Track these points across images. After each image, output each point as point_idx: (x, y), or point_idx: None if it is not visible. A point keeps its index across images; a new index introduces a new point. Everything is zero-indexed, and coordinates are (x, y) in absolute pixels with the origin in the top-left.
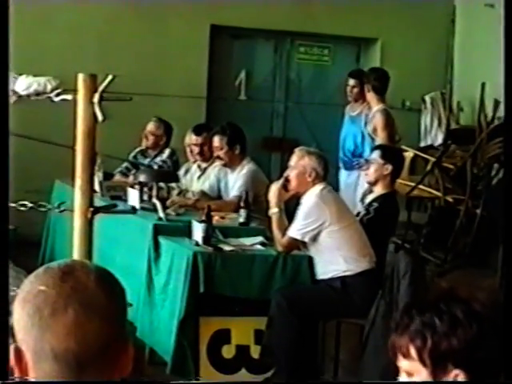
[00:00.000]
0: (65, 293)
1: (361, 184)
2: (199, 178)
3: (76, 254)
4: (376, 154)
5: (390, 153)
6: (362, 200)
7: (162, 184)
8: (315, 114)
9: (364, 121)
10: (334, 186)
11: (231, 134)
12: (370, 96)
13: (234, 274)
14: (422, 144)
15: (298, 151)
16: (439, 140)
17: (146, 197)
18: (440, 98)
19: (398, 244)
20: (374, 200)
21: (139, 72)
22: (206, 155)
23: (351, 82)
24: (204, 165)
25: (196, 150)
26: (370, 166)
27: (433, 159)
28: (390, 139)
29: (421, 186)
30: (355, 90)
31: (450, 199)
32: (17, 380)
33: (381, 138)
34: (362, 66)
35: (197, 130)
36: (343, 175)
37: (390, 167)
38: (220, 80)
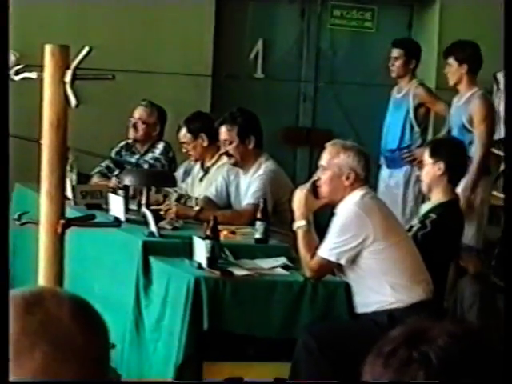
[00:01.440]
0: (31, 329)
1: (410, 187)
2: (202, 180)
3: (43, 279)
4: (425, 152)
5: (442, 147)
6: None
7: (154, 189)
8: (354, 97)
9: (411, 104)
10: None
11: (244, 123)
12: (463, 77)
13: (249, 307)
14: (496, 137)
15: (330, 146)
16: None
17: (133, 205)
18: None
19: (461, 267)
20: (431, 210)
21: (124, 43)
22: (202, 154)
23: (395, 52)
24: (208, 163)
25: (190, 149)
26: (421, 169)
27: None
28: (489, 134)
29: (494, 192)
30: (398, 62)
31: None
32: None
33: (478, 133)
34: (415, 35)
35: (189, 122)
36: (384, 175)
37: (442, 166)
38: (230, 53)
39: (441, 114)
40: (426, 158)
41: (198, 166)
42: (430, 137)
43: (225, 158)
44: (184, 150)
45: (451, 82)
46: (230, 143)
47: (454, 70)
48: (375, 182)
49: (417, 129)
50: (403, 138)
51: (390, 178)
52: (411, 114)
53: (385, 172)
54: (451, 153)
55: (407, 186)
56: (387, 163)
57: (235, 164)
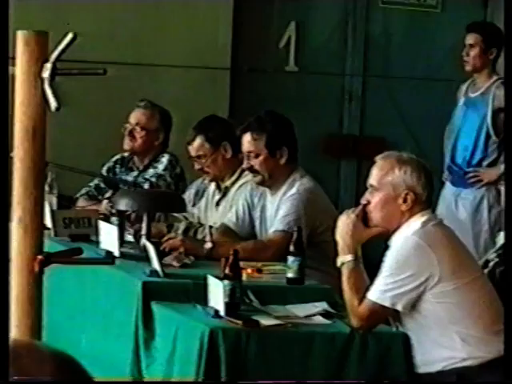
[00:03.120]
0: None
1: (484, 213)
2: (218, 203)
3: (16, 331)
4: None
5: None
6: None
7: (158, 215)
8: (413, 95)
9: (490, 106)
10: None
11: (274, 130)
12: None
13: (279, 366)
14: None
15: (382, 160)
16: None
17: (130, 236)
18: None
19: None
20: None
21: (119, 30)
22: (223, 170)
23: (470, 38)
24: (227, 182)
25: (207, 164)
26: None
27: None
28: None
29: None
30: (475, 51)
31: None
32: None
33: None
34: (492, 16)
35: (205, 129)
36: (447, 194)
37: None
38: (253, 41)
39: None
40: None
41: (213, 186)
42: None
43: (248, 176)
44: (198, 167)
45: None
46: (257, 156)
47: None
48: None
49: (494, 138)
50: (476, 149)
51: (455, 199)
52: (489, 120)
53: (449, 190)
54: None
55: (479, 211)
56: (453, 180)
57: (262, 183)
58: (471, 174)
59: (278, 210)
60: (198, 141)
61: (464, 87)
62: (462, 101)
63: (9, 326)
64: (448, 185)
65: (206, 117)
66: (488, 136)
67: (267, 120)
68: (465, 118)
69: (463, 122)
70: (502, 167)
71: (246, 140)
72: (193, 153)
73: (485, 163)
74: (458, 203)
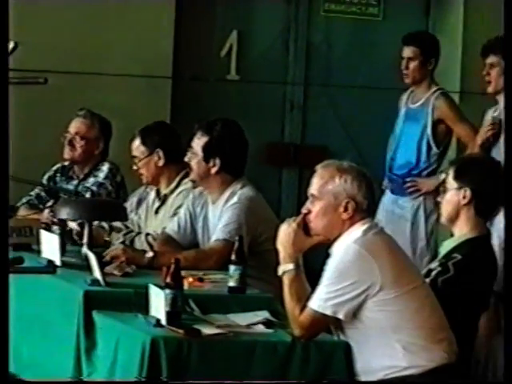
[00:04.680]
0: None
1: (421, 220)
2: (158, 211)
3: None
4: (448, 174)
5: (470, 169)
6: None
7: (99, 223)
8: (355, 103)
9: (430, 117)
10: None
11: (216, 139)
12: (500, 79)
13: (221, 375)
14: None
15: (322, 169)
16: None
17: (71, 245)
18: None
19: (495, 321)
20: (455, 249)
21: (60, 38)
22: (156, 176)
23: (408, 51)
24: (165, 189)
25: (140, 166)
26: (443, 193)
27: None
28: None
29: None
30: (413, 64)
31: None
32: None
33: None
34: (435, 23)
35: (145, 132)
36: (387, 202)
37: (468, 193)
38: (195, 49)
39: (462, 138)
40: (450, 180)
41: (153, 194)
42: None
43: (187, 184)
44: (134, 167)
45: (492, 89)
46: (194, 155)
47: (500, 74)
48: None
49: (435, 150)
50: (417, 160)
51: (394, 207)
52: (429, 131)
53: (388, 198)
54: (481, 177)
55: (416, 220)
56: (392, 188)
57: (194, 181)
58: (409, 184)
59: (219, 219)
60: (136, 142)
61: (404, 97)
62: (402, 111)
63: (8, 327)
64: (387, 192)
65: (154, 122)
66: (429, 147)
67: (217, 128)
68: (405, 128)
69: (403, 133)
70: (440, 177)
71: (195, 137)
72: (132, 152)
73: (425, 173)
74: (395, 211)
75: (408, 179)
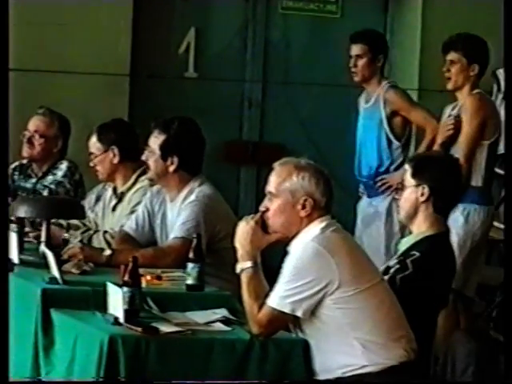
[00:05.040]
0: None
1: (395, 217)
2: (115, 208)
3: None
4: (406, 171)
5: (428, 166)
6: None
7: (57, 221)
8: (313, 101)
9: (383, 113)
10: (350, 225)
11: (173, 137)
12: (470, 80)
13: (179, 372)
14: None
15: (279, 166)
16: None
17: (29, 243)
18: None
19: (454, 319)
20: (413, 247)
21: (19, 35)
22: (111, 173)
23: (356, 49)
24: (122, 187)
25: (96, 163)
26: (400, 191)
27: None
28: (475, 138)
29: (494, 223)
30: (362, 61)
31: None
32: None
33: (462, 138)
34: (393, 20)
35: (102, 129)
36: (363, 205)
37: (426, 190)
38: (152, 47)
39: (419, 124)
40: (408, 178)
41: (110, 192)
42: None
43: (144, 182)
44: (91, 164)
45: (452, 86)
46: (151, 153)
47: (460, 71)
48: (354, 219)
49: (396, 143)
50: (382, 157)
51: (369, 208)
52: (385, 126)
53: (364, 202)
54: (439, 174)
55: (391, 214)
56: (368, 192)
57: (152, 180)
58: (380, 183)
59: (177, 216)
60: (92, 139)
61: (360, 99)
62: (360, 113)
63: (8, 327)
64: (364, 198)
65: (112, 119)
66: (389, 142)
67: (174, 125)
68: (364, 129)
69: (364, 134)
70: (405, 167)
71: (152, 135)
72: (89, 149)
73: (392, 168)
74: (370, 212)
75: (378, 178)
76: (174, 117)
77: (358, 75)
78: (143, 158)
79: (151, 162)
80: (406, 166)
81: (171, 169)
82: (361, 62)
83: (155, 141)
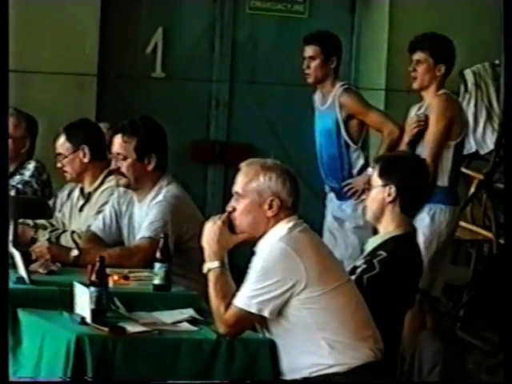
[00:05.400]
0: None
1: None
2: (82, 209)
3: None
4: (374, 172)
5: (395, 166)
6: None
7: (24, 221)
8: (280, 101)
9: (339, 116)
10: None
11: (146, 136)
12: (437, 80)
13: (146, 372)
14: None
15: (246, 167)
16: (489, 143)
17: None
18: (490, 74)
19: (421, 319)
20: (380, 246)
21: None
22: (80, 173)
23: (309, 50)
24: (89, 187)
25: (65, 164)
26: (367, 192)
27: (479, 176)
28: (441, 138)
29: (460, 222)
30: (315, 63)
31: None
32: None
33: (428, 138)
34: (361, 20)
35: (70, 129)
36: (334, 208)
37: (393, 191)
38: (120, 47)
39: (376, 127)
40: (375, 178)
41: (77, 192)
42: (372, 153)
43: (111, 181)
44: (58, 165)
45: (418, 85)
46: (125, 159)
47: (427, 70)
48: (322, 220)
49: (354, 146)
50: (342, 160)
51: (339, 212)
52: (342, 130)
53: (334, 205)
54: (406, 174)
55: (363, 217)
56: (336, 195)
57: (127, 186)
58: (346, 188)
59: (145, 217)
60: (61, 139)
61: (315, 99)
62: (316, 114)
63: (8, 326)
64: (332, 199)
65: (78, 119)
66: (347, 145)
67: (140, 125)
68: (322, 131)
69: (322, 137)
70: (368, 171)
71: (117, 142)
72: (56, 150)
73: (355, 171)
74: (339, 216)
75: (343, 183)
76: (131, 119)
77: (311, 77)
78: (113, 167)
79: (125, 168)
80: (370, 170)
81: (150, 168)
82: (313, 64)
83: (126, 146)
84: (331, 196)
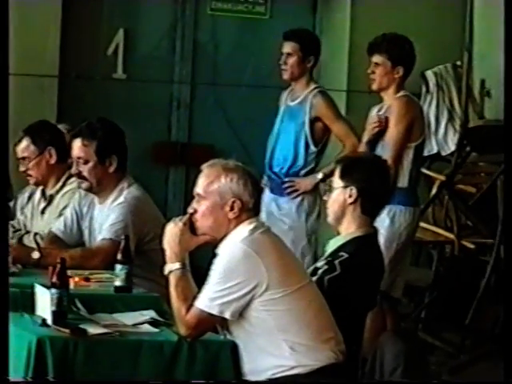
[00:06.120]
0: None
1: (302, 220)
2: (44, 211)
3: None
4: (335, 173)
5: (356, 167)
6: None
7: None
8: (242, 102)
9: (308, 115)
10: None
11: (105, 138)
12: (395, 82)
13: (107, 374)
14: (426, 151)
15: (207, 168)
16: (451, 144)
17: None
18: (452, 75)
19: (383, 320)
20: (341, 248)
21: None
22: (46, 175)
23: (287, 46)
24: (51, 189)
25: (31, 167)
26: (329, 192)
27: (441, 178)
28: (401, 140)
29: (422, 224)
30: (292, 60)
31: (469, 245)
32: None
33: (389, 140)
34: (322, 22)
35: (33, 131)
36: (267, 203)
37: (354, 192)
38: (81, 48)
39: (340, 137)
40: (336, 179)
41: (38, 194)
42: (326, 159)
43: (73, 184)
44: (22, 169)
45: (376, 87)
46: (86, 162)
47: (384, 73)
48: None
49: (313, 148)
50: (295, 158)
51: (273, 207)
52: (307, 129)
53: (268, 198)
54: (367, 175)
55: (297, 218)
56: (271, 187)
57: (89, 190)
58: (287, 184)
59: (106, 218)
60: (24, 142)
61: (284, 95)
62: (281, 109)
63: (8, 326)
64: (266, 191)
65: (38, 121)
66: (307, 145)
67: (98, 127)
68: (283, 126)
69: (282, 131)
70: (317, 176)
71: (76, 146)
72: (19, 154)
73: (303, 172)
74: (275, 212)
75: (286, 179)
76: (88, 122)
77: (287, 72)
78: (74, 171)
79: (87, 172)
80: (320, 175)
81: (111, 169)
82: (291, 60)
83: (86, 149)
84: (267, 193)
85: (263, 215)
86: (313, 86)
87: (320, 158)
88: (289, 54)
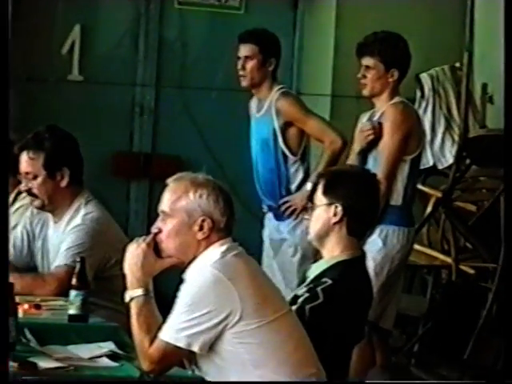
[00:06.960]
0: None
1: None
2: None
3: None
4: (317, 188)
5: (341, 182)
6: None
7: None
8: (213, 108)
9: (276, 123)
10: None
11: (54, 148)
12: (389, 86)
13: None
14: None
15: (174, 182)
16: (448, 157)
17: None
18: (450, 78)
19: (370, 353)
20: (324, 273)
21: None
22: None
23: (244, 50)
24: None
25: None
26: (311, 210)
27: (437, 194)
28: (396, 153)
29: (415, 246)
30: (251, 64)
31: (468, 269)
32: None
33: (382, 152)
34: (303, 20)
35: None
36: (271, 229)
37: (339, 210)
38: (32, 47)
39: (316, 136)
40: (318, 195)
41: None
42: (313, 165)
43: (24, 199)
44: None
45: (368, 92)
46: (34, 178)
47: (377, 77)
48: (260, 242)
49: (292, 157)
50: (280, 174)
51: (277, 234)
52: (280, 139)
53: (272, 225)
54: (354, 192)
55: (301, 243)
56: (274, 214)
57: (41, 207)
58: (283, 207)
59: (61, 241)
60: None
61: (252, 105)
62: (252, 123)
63: (8, 325)
64: (270, 218)
65: None
66: (285, 157)
67: (46, 137)
68: (258, 142)
69: (258, 148)
70: (307, 188)
71: (24, 159)
72: None
73: (293, 187)
74: (278, 238)
75: (281, 201)
76: (37, 131)
77: (246, 79)
78: (23, 187)
79: (37, 188)
80: (309, 185)
81: (64, 183)
82: (249, 65)
83: (33, 163)
84: (269, 216)
85: (268, 243)
86: (275, 89)
87: (306, 164)
88: (247, 58)
